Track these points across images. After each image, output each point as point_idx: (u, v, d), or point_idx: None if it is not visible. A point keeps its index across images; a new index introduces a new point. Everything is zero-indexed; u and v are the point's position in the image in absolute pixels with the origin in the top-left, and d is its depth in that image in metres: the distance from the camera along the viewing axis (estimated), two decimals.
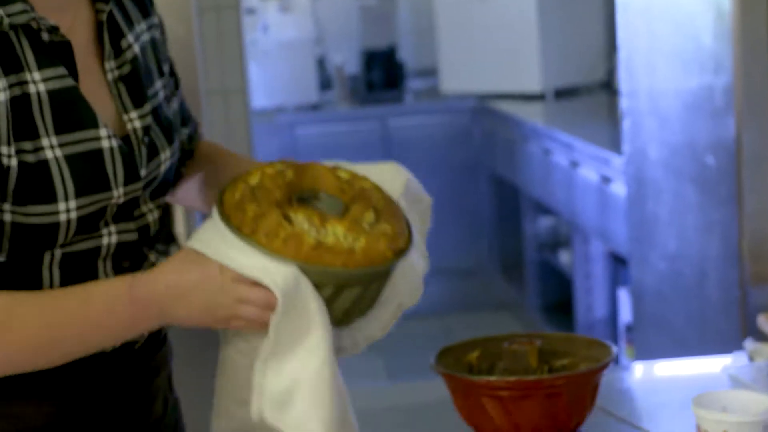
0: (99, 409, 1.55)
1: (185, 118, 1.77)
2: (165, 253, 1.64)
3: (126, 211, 1.55)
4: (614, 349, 1.80)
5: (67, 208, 1.46)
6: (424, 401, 1.48)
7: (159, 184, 1.61)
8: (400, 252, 1.52)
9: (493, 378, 1.71)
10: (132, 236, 1.56)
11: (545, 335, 1.87)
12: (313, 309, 1.44)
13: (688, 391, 1.74)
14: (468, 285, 6.52)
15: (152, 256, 1.61)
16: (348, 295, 1.48)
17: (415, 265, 1.56)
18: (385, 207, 1.56)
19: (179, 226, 3.11)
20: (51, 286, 1.49)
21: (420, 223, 1.65)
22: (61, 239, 1.48)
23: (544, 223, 5.82)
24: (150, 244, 1.60)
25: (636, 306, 3.63)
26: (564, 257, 5.42)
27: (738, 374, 1.91)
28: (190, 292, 1.47)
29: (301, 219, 1.48)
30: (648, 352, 3.53)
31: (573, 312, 5.10)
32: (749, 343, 2.10)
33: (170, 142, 1.62)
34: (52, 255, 1.49)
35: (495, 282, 6.50)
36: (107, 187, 1.50)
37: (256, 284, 1.44)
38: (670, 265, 3.37)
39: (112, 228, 1.53)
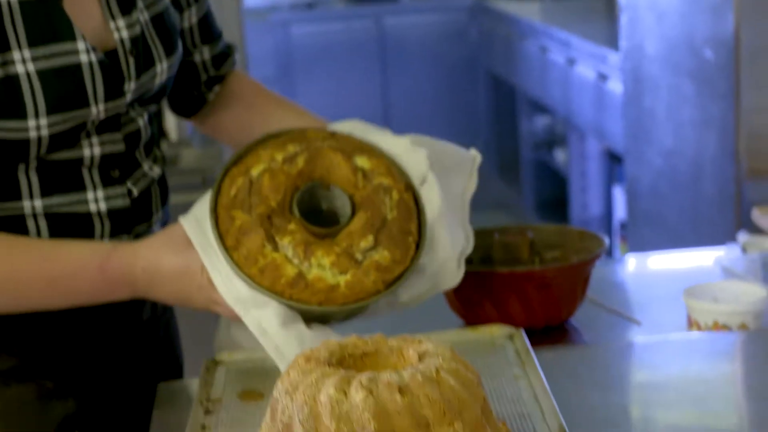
0: (89, 308, 1.52)
1: (208, 35, 1.66)
2: (156, 162, 1.59)
3: (111, 123, 1.48)
4: (606, 240, 1.79)
5: (37, 125, 1.39)
6: None
7: (154, 94, 1.54)
8: (393, 283, 1.41)
9: (482, 269, 1.70)
10: (119, 147, 1.49)
11: (538, 227, 1.86)
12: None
13: (680, 283, 1.73)
14: None
15: (146, 166, 1.55)
16: (331, 319, 1.43)
17: (450, 246, 1.48)
18: (398, 216, 1.44)
19: (170, 125, 3.09)
20: (30, 192, 1.45)
21: (465, 186, 1.57)
22: (33, 154, 1.42)
23: (541, 121, 5.79)
24: (143, 150, 1.55)
25: (630, 203, 3.62)
26: (560, 156, 5.40)
27: (731, 266, 1.90)
28: (166, 281, 1.43)
29: (286, 244, 1.39)
30: (642, 248, 3.53)
31: (568, 210, 5.09)
32: (742, 236, 2.09)
33: (169, 52, 1.52)
34: (27, 164, 1.44)
35: (491, 181, 6.48)
36: (84, 104, 1.42)
37: None
38: (666, 161, 3.35)
39: (95, 139, 1.47)
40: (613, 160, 4.70)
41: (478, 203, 6.22)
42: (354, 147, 1.48)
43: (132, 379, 1.58)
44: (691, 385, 1.40)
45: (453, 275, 1.50)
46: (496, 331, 1.48)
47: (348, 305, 1.38)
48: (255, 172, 1.44)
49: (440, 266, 1.48)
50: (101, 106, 1.44)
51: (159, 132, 1.63)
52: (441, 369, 1.08)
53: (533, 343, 1.45)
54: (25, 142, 1.40)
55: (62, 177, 1.46)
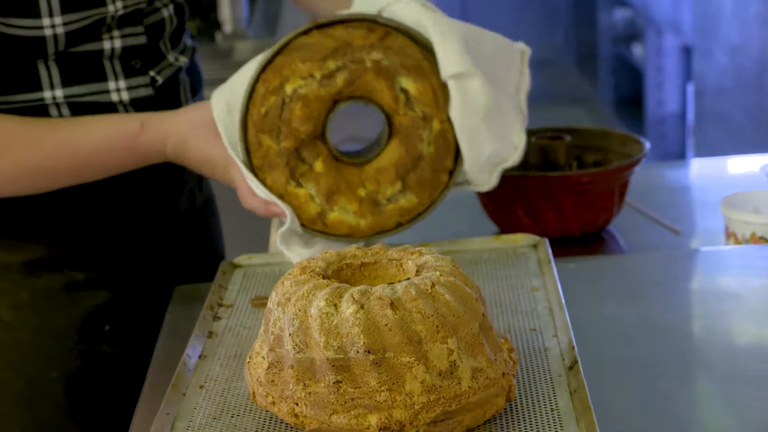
0: (122, 195, 1.51)
1: None
2: (184, 52, 1.56)
3: (132, 16, 1.45)
4: (647, 145, 1.72)
5: (52, 24, 1.37)
6: (451, 198, 1.42)
7: None
8: (414, 219, 1.40)
9: (514, 173, 1.64)
10: (140, 39, 1.47)
11: (579, 129, 1.80)
12: None
13: (726, 190, 1.67)
14: (542, 76, 6.36)
15: (171, 56, 1.52)
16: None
17: (485, 157, 1.39)
18: (434, 151, 1.38)
19: (224, 16, 3.04)
20: (50, 82, 1.43)
21: (517, 84, 1.45)
22: (50, 50, 1.40)
23: (620, 14, 5.65)
24: (168, 40, 1.52)
25: (697, 101, 3.51)
26: (638, 50, 5.26)
27: None
28: (193, 163, 1.43)
29: (310, 187, 1.37)
30: (708, 148, 3.43)
31: (643, 106, 4.98)
32: None
33: None
34: (46, 57, 1.41)
35: (569, 74, 6.37)
36: (101, 2, 1.40)
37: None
38: (732, 58, 3.23)
39: (115, 33, 1.44)
40: (689, 56, 4.57)
41: (556, 96, 6.16)
42: (400, 62, 1.38)
43: (165, 276, 1.57)
44: (712, 300, 1.34)
45: (483, 183, 1.44)
46: (521, 239, 1.43)
47: (366, 238, 1.39)
48: (289, 89, 1.36)
49: (469, 177, 1.42)
50: (119, 3, 1.42)
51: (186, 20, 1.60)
52: (437, 283, 1.04)
53: (568, 252, 1.41)
54: (41, 39, 1.38)
55: (82, 67, 1.44)
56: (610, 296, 1.36)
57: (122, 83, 1.46)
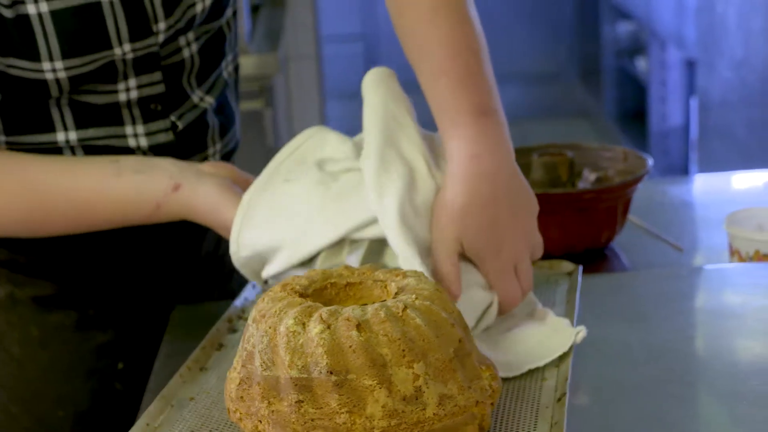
0: (141, 241, 1.47)
1: None
2: (211, 90, 1.46)
3: (149, 61, 1.36)
4: (650, 161, 1.71)
5: (53, 68, 1.29)
6: None
7: (208, 15, 1.40)
8: None
9: None
10: (158, 88, 1.38)
11: (581, 145, 1.79)
12: None
13: (729, 207, 1.66)
14: (546, 90, 6.39)
15: (195, 97, 1.44)
16: None
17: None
18: None
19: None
20: (63, 125, 1.36)
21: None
22: (54, 94, 1.32)
23: (623, 28, 5.64)
24: (194, 79, 1.42)
25: (702, 115, 3.50)
26: (641, 64, 5.25)
27: None
28: (222, 228, 1.31)
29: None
30: (712, 163, 3.42)
31: (647, 120, 4.97)
32: None
33: None
34: (58, 101, 1.34)
35: (573, 88, 6.36)
36: (106, 45, 1.31)
37: None
38: (736, 73, 3.22)
39: (132, 82, 1.36)
40: (693, 70, 4.56)
41: (559, 110, 6.15)
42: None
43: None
44: (715, 319, 1.33)
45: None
46: (557, 265, 1.41)
47: None
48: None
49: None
50: (127, 47, 1.33)
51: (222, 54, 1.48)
52: (410, 306, 1.02)
53: None
54: (43, 82, 1.31)
55: (97, 111, 1.37)
56: (613, 314, 1.34)
57: (140, 128, 1.39)
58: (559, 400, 1.09)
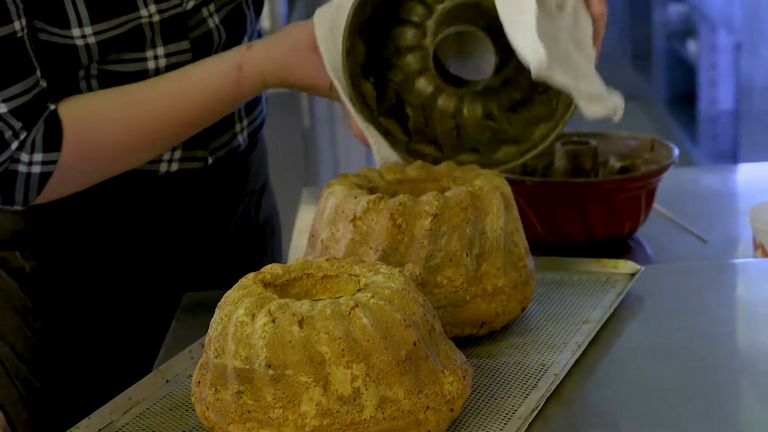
0: (168, 218, 1.49)
1: None
2: None
3: (176, 28, 1.38)
4: (676, 151, 1.67)
5: (82, 34, 1.32)
6: None
7: None
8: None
9: (537, 180, 1.60)
10: (185, 56, 1.40)
11: (608, 134, 1.75)
12: None
13: (759, 198, 1.62)
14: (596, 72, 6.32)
15: None
16: None
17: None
18: None
19: (264, 21, 3.01)
20: None
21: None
22: (84, 61, 1.34)
23: (674, 10, 5.56)
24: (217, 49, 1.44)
25: (745, 100, 3.44)
26: (692, 47, 5.18)
27: None
28: (297, 86, 1.39)
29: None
30: (755, 148, 3.36)
31: (696, 104, 4.90)
32: None
33: None
34: (88, 71, 1.37)
35: (623, 70, 6.29)
36: (132, 7, 1.34)
37: None
38: None
39: (160, 50, 1.38)
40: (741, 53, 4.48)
41: None
42: None
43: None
44: (736, 315, 1.30)
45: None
46: (621, 265, 1.38)
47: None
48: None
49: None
50: (152, 8, 1.35)
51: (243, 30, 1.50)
52: (360, 304, 1.00)
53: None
54: (74, 49, 1.33)
55: (126, 81, 1.38)
56: (633, 309, 1.31)
57: None
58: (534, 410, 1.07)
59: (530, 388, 1.13)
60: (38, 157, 1.32)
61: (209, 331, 1.06)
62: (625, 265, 1.37)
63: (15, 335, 1.48)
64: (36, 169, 1.32)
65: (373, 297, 1.02)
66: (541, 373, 1.15)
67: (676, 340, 1.23)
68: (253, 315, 1.01)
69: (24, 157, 1.31)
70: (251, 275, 1.09)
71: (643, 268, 1.35)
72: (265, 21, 3.01)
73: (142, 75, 1.38)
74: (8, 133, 1.30)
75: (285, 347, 0.99)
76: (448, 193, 1.20)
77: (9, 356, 1.48)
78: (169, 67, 1.39)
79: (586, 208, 1.61)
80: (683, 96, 5.43)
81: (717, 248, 1.64)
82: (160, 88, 1.36)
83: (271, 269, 1.10)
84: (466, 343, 1.23)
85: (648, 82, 5.91)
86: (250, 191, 1.60)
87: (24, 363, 1.48)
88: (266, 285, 1.08)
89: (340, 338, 0.99)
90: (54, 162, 1.32)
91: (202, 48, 1.41)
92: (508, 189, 1.25)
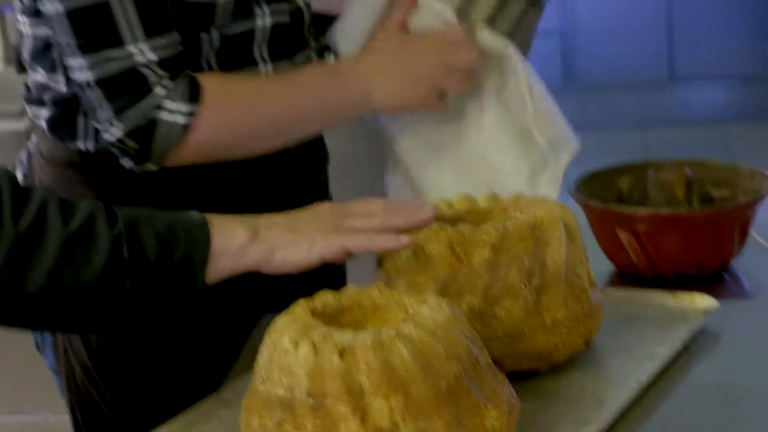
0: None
1: None
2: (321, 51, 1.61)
3: None
4: None
5: None
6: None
7: None
8: None
9: (624, 209, 1.58)
10: (285, 18, 1.50)
11: (704, 163, 1.71)
12: None
13: None
14: (748, 91, 6.17)
15: (312, 42, 1.57)
16: None
17: None
18: None
19: None
20: (209, 65, 1.46)
21: None
22: (219, 20, 1.42)
23: None
24: (308, 28, 1.56)
25: None
26: None
27: None
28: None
29: None
30: None
31: None
32: None
33: None
34: (211, 38, 1.43)
35: None
36: None
37: None
38: None
39: (266, 9, 1.47)
40: None
41: (762, 112, 5.84)
42: None
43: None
44: None
45: None
46: (697, 300, 1.36)
47: None
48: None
49: None
50: None
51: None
52: (402, 336, 1.00)
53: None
54: (212, 6, 1.40)
55: (237, 58, 1.46)
56: (705, 346, 1.28)
57: (270, 67, 1.49)
58: None
59: (583, 424, 1.12)
60: (182, 107, 1.36)
61: (258, 356, 1.08)
62: (702, 300, 1.34)
63: (86, 349, 1.51)
64: (179, 119, 1.36)
65: (415, 328, 1.02)
66: (597, 408, 1.14)
67: (746, 382, 1.20)
68: (297, 343, 1.02)
69: (169, 104, 1.36)
70: (302, 301, 1.11)
71: (719, 304, 1.31)
72: None
73: (250, 35, 1.46)
74: (154, 79, 1.35)
75: (324, 376, 1.00)
76: (507, 224, 1.20)
77: (78, 372, 1.52)
78: (274, 27, 1.48)
79: (674, 241, 1.56)
80: None
81: None
82: (286, 78, 1.48)
83: (322, 297, 1.11)
84: (526, 376, 1.22)
85: None
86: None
87: (95, 375, 1.52)
88: (314, 313, 1.09)
89: (379, 369, 0.99)
90: (194, 114, 1.37)
91: (297, 19, 1.52)
92: (572, 219, 1.24)
